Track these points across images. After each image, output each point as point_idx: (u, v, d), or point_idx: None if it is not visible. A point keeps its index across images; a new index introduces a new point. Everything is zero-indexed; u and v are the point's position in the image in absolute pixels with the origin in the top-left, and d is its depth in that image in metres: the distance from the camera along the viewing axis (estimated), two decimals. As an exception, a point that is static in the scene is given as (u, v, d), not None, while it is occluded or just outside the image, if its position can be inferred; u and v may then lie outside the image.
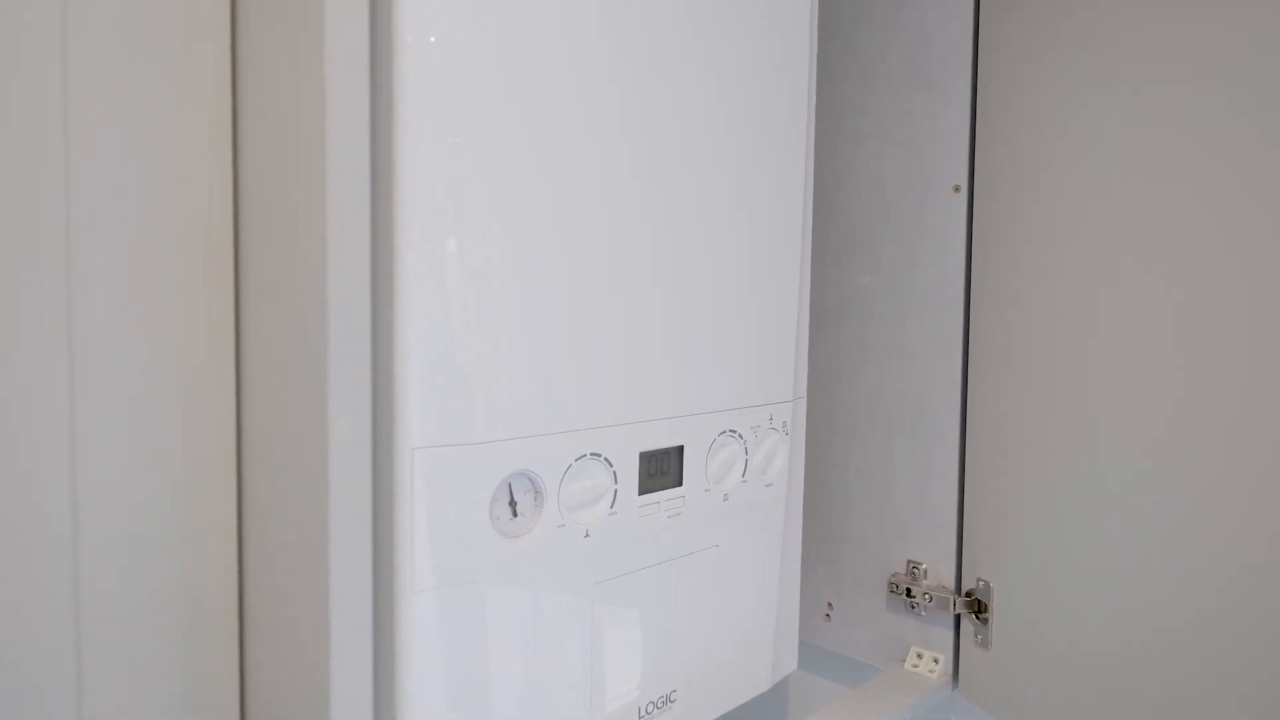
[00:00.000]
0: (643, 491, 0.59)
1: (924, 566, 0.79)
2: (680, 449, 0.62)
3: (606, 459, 0.56)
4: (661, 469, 0.61)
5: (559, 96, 0.52)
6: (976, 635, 0.75)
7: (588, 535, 0.56)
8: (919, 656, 0.79)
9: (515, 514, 0.52)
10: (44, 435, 0.35)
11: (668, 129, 0.58)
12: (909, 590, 0.79)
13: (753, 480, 0.68)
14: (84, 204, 0.36)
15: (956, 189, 0.76)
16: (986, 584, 0.74)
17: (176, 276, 0.39)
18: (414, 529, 0.47)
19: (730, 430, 0.65)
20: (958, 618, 0.77)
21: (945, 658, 0.78)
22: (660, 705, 0.62)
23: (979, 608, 0.75)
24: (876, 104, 0.81)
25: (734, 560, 0.67)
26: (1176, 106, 0.63)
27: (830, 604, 0.86)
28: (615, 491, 0.57)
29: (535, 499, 0.53)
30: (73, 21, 0.35)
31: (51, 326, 0.35)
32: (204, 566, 0.41)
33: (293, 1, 0.37)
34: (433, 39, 0.46)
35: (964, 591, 0.76)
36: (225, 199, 0.39)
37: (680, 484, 0.62)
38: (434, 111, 0.46)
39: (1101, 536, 0.67)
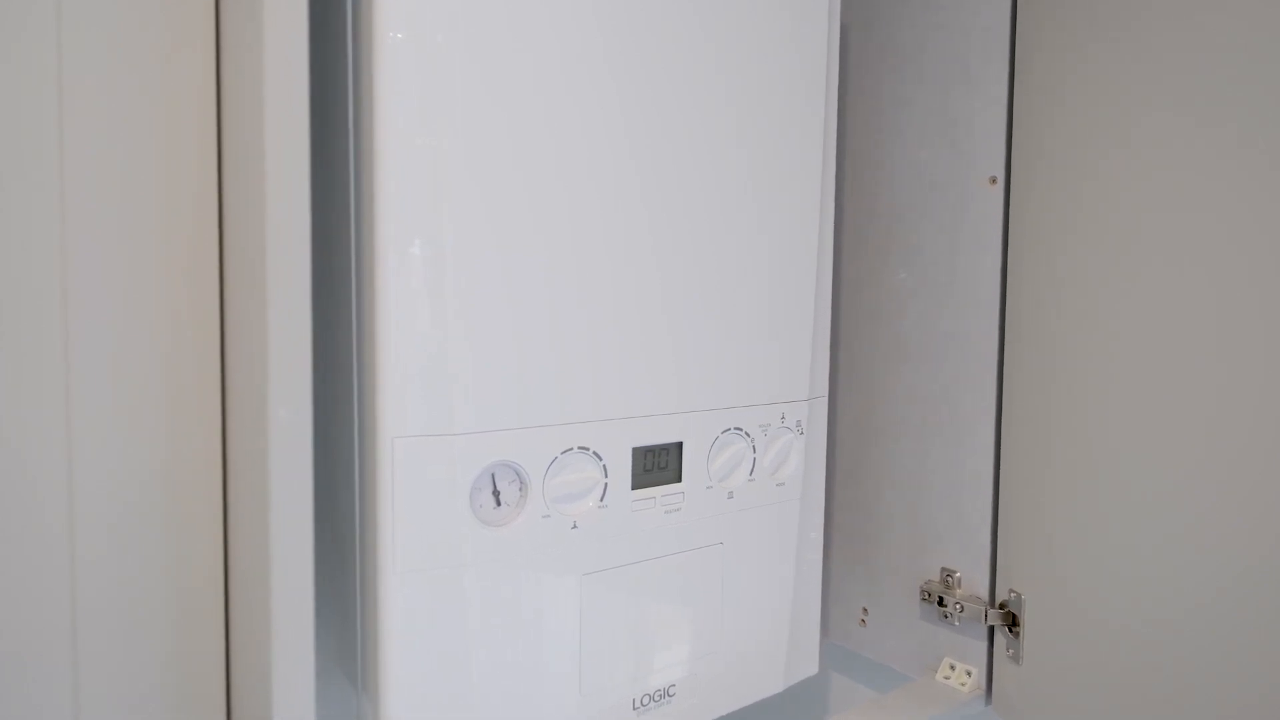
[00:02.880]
0: (637, 486, 0.60)
1: (958, 575, 0.76)
2: (679, 445, 0.62)
3: (595, 453, 0.57)
4: (659, 464, 0.61)
5: (545, 83, 0.53)
6: (1008, 649, 0.72)
7: (575, 527, 0.57)
8: (951, 668, 0.76)
9: (499, 503, 0.54)
10: (43, 429, 0.40)
11: (665, 115, 0.58)
12: (941, 599, 0.76)
13: (762, 479, 0.67)
14: (78, 207, 0.40)
15: (993, 180, 0.72)
16: (1018, 595, 0.70)
17: (165, 275, 0.43)
18: (394, 514, 0.50)
19: (735, 428, 0.65)
20: (991, 629, 0.73)
21: (978, 671, 0.74)
22: (658, 699, 0.63)
23: (1012, 620, 0.71)
24: (915, 94, 0.78)
25: (741, 559, 0.66)
26: (1225, 96, 0.58)
27: (865, 609, 0.84)
28: (605, 485, 0.58)
29: (520, 489, 0.55)
30: (67, 29, 0.39)
31: (48, 325, 0.39)
32: (192, 555, 0.45)
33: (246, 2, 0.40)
34: (400, 35, 0.48)
35: (998, 603, 0.73)
36: (211, 198, 0.43)
37: (679, 480, 0.62)
38: (413, 101, 0.48)
39: (1140, 548, 0.63)
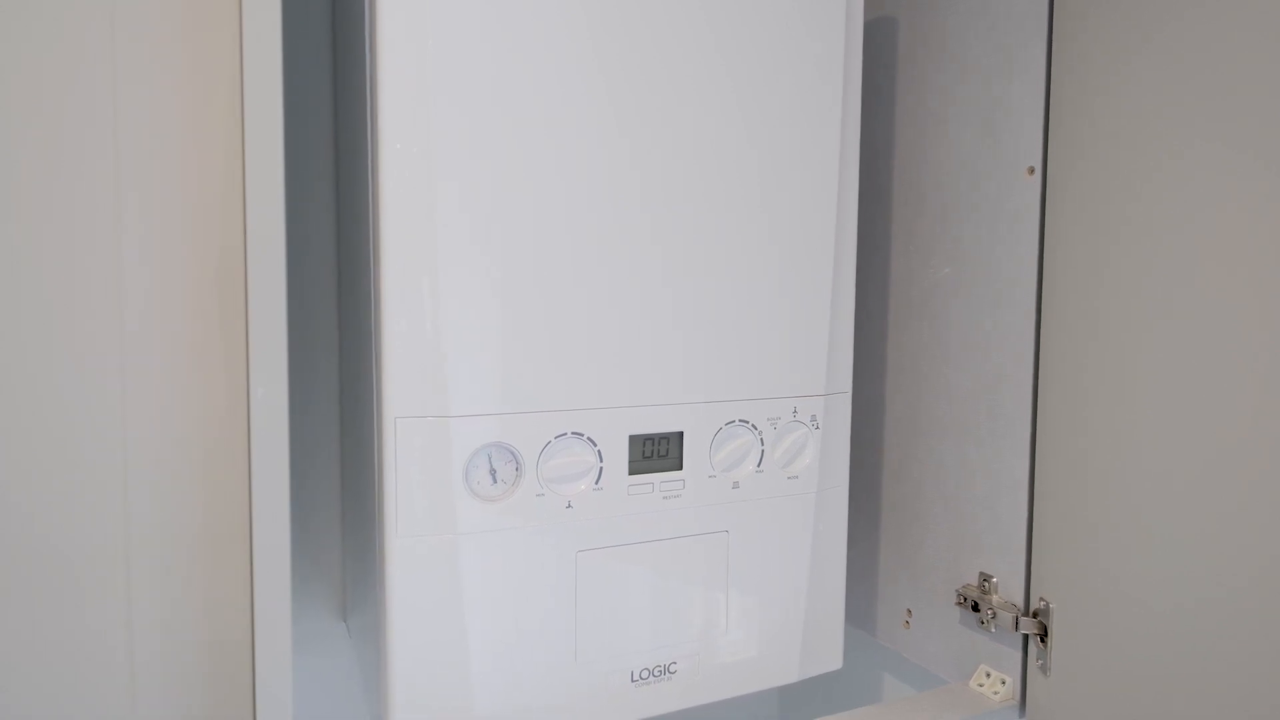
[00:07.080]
0: (635, 472, 0.63)
1: (995, 580, 0.73)
2: (680, 434, 0.64)
3: (590, 439, 0.61)
4: (659, 452, 0.64)
5: (542, 65, 0.56)
6: (1038, 659, 0.69)
7: (570, 506, 0.61)
8: (987, 675, 0.73)
9: (495, 480, 0.59)
10: (103, 438, 0.48)
11: (666, 97, 0.60)
12: (975, 605, 0.73)
13: (772, 472, 0.68)
14: (132, 225, 0.49)
15: (1031, 171, 0.69)
16: (1047, 604, 0.67)
17: (193, 280, 0.51)
18: (397, 484, 0.57)
19: (741, 420, 0.66)
20: (1025, 638, 0.71)
21: (1013, 679, 0.71)
22: (658, 674, 0.66)
23: (1044, 629, 0.68)
24: (958, 84, 0.76)
25: (749, 548, 0.68)
26: (1271, 87, 0.53)
27: (909, 611, 0.83)
28: (600, 469, 0.62)
29: (516, 469, 0.60)
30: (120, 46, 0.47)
31: (108, 330, 0.47)
32: (222, 551, 0.52)
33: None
34: (399, 27, 0.53)
35: (1031, 610, 0.70)
36: (237, 201, 0.50)
37: (680, 468, 0.65)
38: (410, 87, 0.53)
39: (1175, 560, 0.58)
